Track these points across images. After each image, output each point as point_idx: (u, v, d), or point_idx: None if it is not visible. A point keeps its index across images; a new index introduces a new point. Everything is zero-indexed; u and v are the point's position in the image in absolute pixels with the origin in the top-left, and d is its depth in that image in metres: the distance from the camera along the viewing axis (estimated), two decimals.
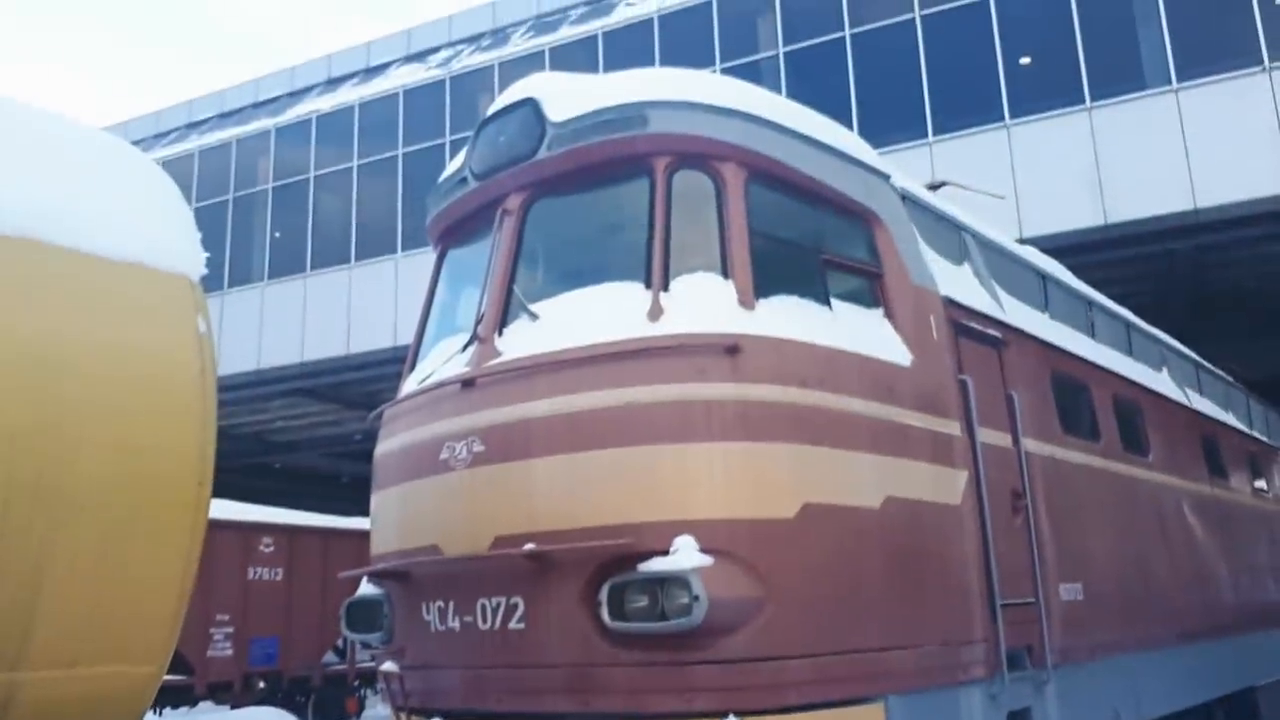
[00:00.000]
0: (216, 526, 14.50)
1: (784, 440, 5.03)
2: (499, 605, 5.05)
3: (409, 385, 6.10)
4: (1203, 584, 9.87)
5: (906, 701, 5.13)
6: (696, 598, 4.56)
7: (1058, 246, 12.91)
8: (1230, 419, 12.78)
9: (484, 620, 5.10)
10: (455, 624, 5.23)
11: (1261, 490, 13.03)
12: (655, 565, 4.69)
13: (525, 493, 5.02)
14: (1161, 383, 10.50)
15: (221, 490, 17.23)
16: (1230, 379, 14.25)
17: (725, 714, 4.55)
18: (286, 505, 17.21)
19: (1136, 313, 11.15)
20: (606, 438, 4.92)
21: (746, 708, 4.59)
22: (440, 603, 5.32)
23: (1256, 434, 14.01)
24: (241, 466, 25.97)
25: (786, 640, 4.77)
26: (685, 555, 4.68)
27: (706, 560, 4.67)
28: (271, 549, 15.16)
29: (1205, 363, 13.08)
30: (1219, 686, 9.82)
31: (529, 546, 4.83)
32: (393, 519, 5.78)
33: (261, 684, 14.58)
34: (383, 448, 6.05)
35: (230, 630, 14.23)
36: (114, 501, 3.17)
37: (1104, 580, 7.67)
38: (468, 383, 5.37)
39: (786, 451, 5.02)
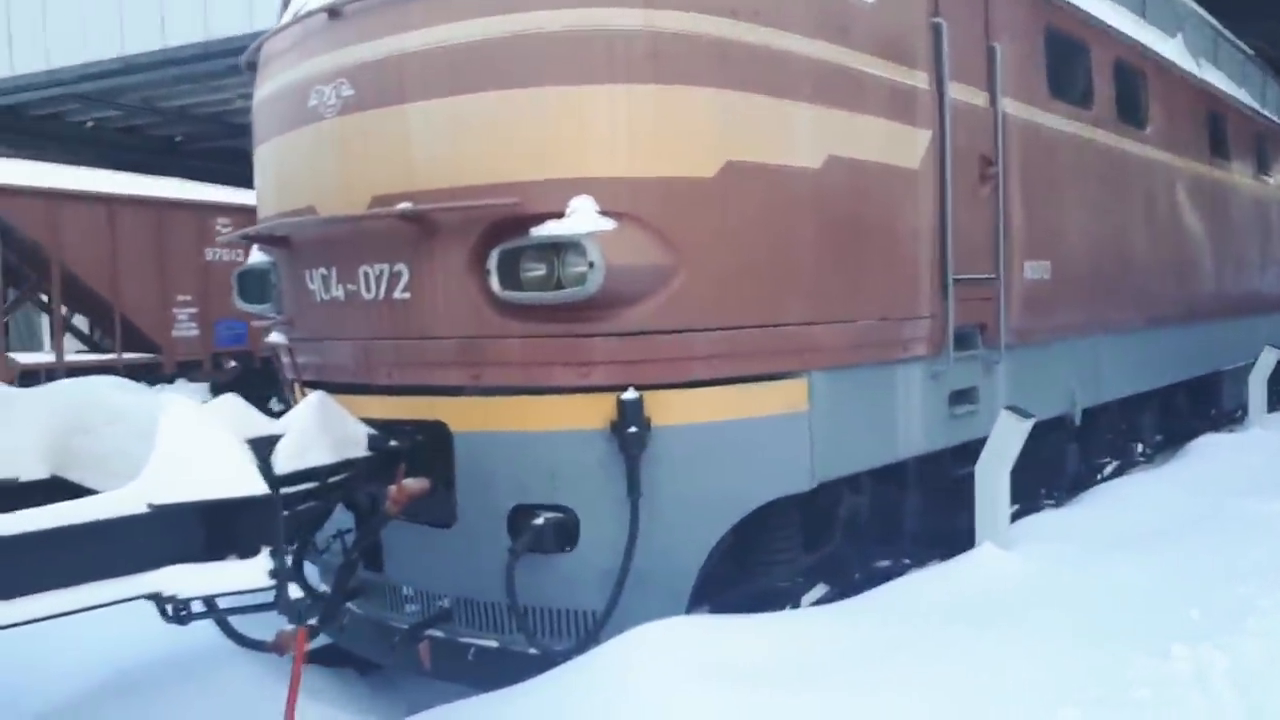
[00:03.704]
0: (169, 206, 14.07)
1: (705, 84, 4.25)
2: (382, 273, 4.51)
3: (286, 17, 5.19)
4: (1184, 269, 9.38)
5: (832, 377, 4.72)
6: (592, 264, 4.00)
7: None
8: (1243, 96, 11.76)
9: (368, 289, 4.58)
10: (339, 293, 4.72)
11: (1263, 176, 12.26)
12: (548, 229, 4.10)
13: (401, 145, 4.32)
14: (1173, 49, 9.44)
15: (187, 173, 16.29)
16: (1250, 53, 13.05)
17: (624, 388, 4.14)
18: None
19: None
20: (491, 77, 4.15)
21: (647, 382, 4.18)
22: (322, 270, 4.78)
23: (1269, 115, 13.02)
24: (207, 150, 24.83)
25: (697, 312, 4.26)
26: (582, 218, 4.08)
27: (607, 224, 4.07)
28: (230, 230, 14.66)
29: (1226, 32, 11.86)
30: (1185, 371, 9.62)
31: (404, 206, 4.21)
32: (270, 177, 5.12)
33: (233, 363, 14.64)
34: (259, 94, 5.28)
35: (194, 311, 14.06)
36: None
37: (1076, 260, 7.14)
38: (334, 11, 4.51)
39: (707, 98, 4.26)
